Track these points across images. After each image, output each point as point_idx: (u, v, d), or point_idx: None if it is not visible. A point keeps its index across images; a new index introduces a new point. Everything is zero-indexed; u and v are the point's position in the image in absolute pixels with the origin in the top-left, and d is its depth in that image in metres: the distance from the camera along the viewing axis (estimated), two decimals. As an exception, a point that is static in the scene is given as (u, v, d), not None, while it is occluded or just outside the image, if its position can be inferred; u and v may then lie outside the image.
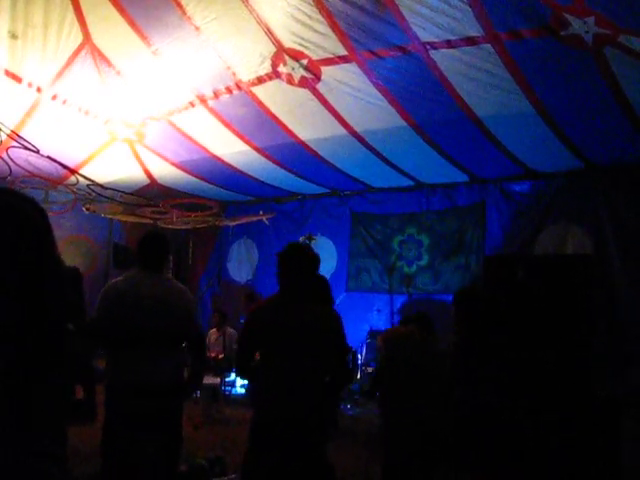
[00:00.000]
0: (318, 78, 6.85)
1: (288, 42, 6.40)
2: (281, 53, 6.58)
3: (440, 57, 6.05)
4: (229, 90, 7.39)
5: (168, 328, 4.09)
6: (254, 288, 11.43)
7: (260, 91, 7.36)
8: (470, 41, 5.69)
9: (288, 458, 3.75)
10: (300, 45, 6.38)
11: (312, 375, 3.82)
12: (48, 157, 7.44)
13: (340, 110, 7.51)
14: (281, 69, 6.82)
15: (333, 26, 5.96)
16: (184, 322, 4.23)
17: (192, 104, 7.82)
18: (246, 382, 8.58)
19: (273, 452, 3.76)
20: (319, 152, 8.79)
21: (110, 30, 6.80)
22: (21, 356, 1.45)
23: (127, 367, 4.07)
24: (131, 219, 10.67)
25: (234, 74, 7.08)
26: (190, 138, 8.77)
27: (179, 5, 6.15)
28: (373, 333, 10.20)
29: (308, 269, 3.98)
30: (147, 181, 10.40)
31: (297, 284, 3.92)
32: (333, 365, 3.94)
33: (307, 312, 3.88)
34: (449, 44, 5.81)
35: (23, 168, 7.62)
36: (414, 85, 6.67)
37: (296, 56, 6.57)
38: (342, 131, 7.95)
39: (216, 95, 7.53)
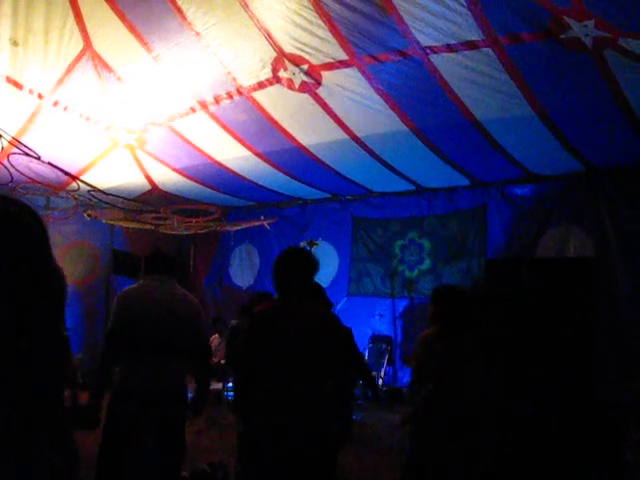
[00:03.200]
0: (319, 83, 6.85)
1: (288, 47, 6.40)
2: (281, 58, 6.59)
3: (440, 61, 6.06)
4: (230, 95, 7.40)
5: (173, 337, 4.14)
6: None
7: (261, 96, 7.36)
8: (470, 45, 5.70)
9: (287, 466, 3.73)
10: (300, 50, 6.39)
11: (314, 380, 3.79)
12: (49, 163, 7.45)
13: (341, 115, 7.51)
14: (282, 74, 6.83)
15: (333, 31, 5.97)
16: (190, 332, 4.25)
17: (193, 110, 7.83)
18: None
19: (271, 460, 3.75)
20: (320, 157, 8.80)
21: (111, 36, 6.81)
22: (19, 358, 1.45)
23: (132, 373, 4.11)
24: (132, 225, 10.68)
25: (235, 79, 7.08)
26: (191, 144, 8.77)
27: (179, 11, 6.16)
28: (375, 338, 10.21)
29: (307, 272, 3.97)
30: (148, 187, 10.40)
31: (297, 288, 3.90)
32: (338, 370, 3.92)
33: (309, 316, 3.86)
34: (449, 48, 5.82)
35: (24, 175, 7.64)
36: (415, 89, 6.67)
37: (296, 61, 6.58)
38: (343, 136, 7.96)
39: (217, 100, 7.54)
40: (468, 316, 4.33)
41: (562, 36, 5.24)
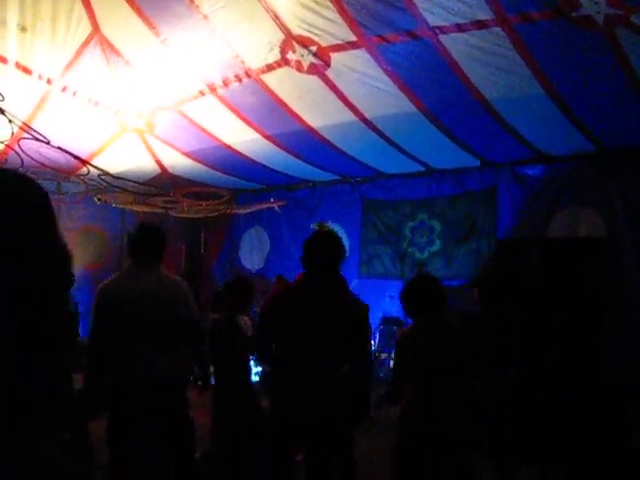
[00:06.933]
0: (327, 65, 6.82)
1: (297, 29, 6.37)
2: (290, 40, 6.56)
3: (450, 41, 6.01)
4: (238, 78, 7.38)
5: (159, 323, 4.11)
6: (265, 276, 11.44)
7: (269, 79, 7.34)
8: (480, 25, 5.65)
9: (313, 450, 3.76)
10: (309, 32, 6.35)
11: (334, 364, 3.80)
12: (59, 148, 7.46)
13: (350, 96, 7.48)
14: (290, 56, 6.80)
15: (342, 12, 5.93)
16: (178, 318, 4.23)
17: (202, 93, 7.82)
18: (260, 369, 8.55)
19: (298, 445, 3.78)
20: (329, 139, 8.77)
21: (119, 20, 6.80)
22: (24, 330, 1.44)
23: (124, 367, 4.12)
24: (143, 209, 10.71)
25: (243, 62, 7.06)
26: (200, 127, 8.78)
27: (187, -6, 6.15)
28: (386, 319, 10.21)
29: (337, 256, 3.98)
30: (158, 171, 10.44)
31: (324, 270, 3.90)
32: (354, 354, 3.93)
33: (332, 299, 3.86)
34: (459, 28, 5.77)
35: (35, 159, 7.64)
36: (424, 70, 6.63)
37: (305, 43, 6.54)
38: (352, 117, 7.93)
39: (225, 84, 7.53)
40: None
41: (573, 14, 5.19)
